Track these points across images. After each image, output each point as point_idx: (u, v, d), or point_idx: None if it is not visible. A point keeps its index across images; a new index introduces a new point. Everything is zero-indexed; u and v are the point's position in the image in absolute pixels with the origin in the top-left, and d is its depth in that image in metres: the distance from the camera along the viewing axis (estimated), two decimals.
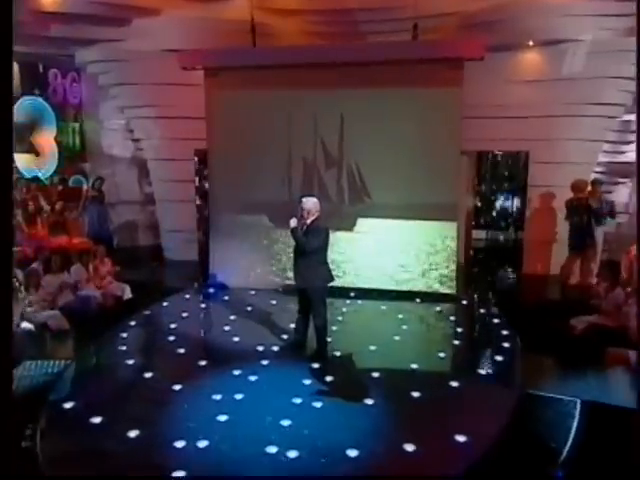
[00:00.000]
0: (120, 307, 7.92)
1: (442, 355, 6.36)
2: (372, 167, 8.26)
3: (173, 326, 7.24)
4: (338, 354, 6.33)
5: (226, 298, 8.45)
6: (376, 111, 8.03)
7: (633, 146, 9.84)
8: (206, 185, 10.45)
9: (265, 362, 6.12)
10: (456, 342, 6.78)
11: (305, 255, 6.04)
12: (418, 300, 8.16)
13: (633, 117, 9.32)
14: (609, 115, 8.99)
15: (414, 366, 6.02)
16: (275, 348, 6.52)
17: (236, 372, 5.84)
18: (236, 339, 6.81)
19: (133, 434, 4.60)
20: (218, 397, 5.29)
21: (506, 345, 6.57)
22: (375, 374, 5.81)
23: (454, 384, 5.58)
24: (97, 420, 4.83)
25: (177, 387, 5.49)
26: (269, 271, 8.92)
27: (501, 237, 9.85)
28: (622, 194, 10.15)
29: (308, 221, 6.08)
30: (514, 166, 9.57)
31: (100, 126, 11.47)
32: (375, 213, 8.35)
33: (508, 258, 9.58)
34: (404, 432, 4.69)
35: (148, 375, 5.78)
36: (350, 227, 8.57)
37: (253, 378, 5.71)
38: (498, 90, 9.04)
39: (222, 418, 4.90)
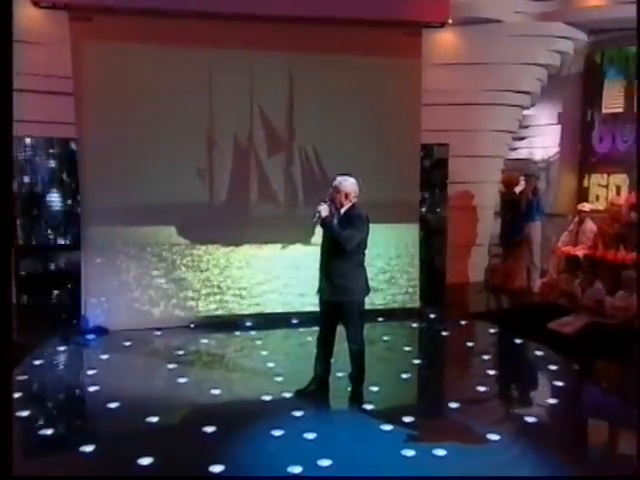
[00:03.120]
0: None
1: (491, 373, 5.91)
2: (331, 152, 7.34)
3: (94, 389, 5.44)
4: (375, 389, 5.37)
5: (128, 344, 6.66)
6: (326, 81, 7.26)
7: (526, 142, 10.74)
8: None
9: (298, 414, 4.91)
10: (485, 357, 6.34)
11: (341, 256, 5.00)
12: (381, 319, 7.50)
13: (532, 112, 10.17)
14: (520, 104, 9.63)
15: (482, 389, 5.45)
16: (286, 394, 5.27)
17: (276, 433, 4.55)
18: (215, 392, 5.35)
19: None
20: (297, 470, 3.99)
21: (539, 354, 6.42)
22: (453, 404, 5.07)
23: (551, 401, 5.21)
24: None
25: (217, 469, 4.01)
26: (174, 303, 7.33)
27: None
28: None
29: (344, 209, 5.06)
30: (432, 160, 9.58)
31: None
32: None
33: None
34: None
35: (146, 462, 4.10)
36: (307, 238, 7.46)
37: (311, 436, 4.51)
38: None
39: None
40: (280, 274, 7.53)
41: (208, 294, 7.40)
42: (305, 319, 7.32)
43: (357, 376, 5.23)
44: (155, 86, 6.97)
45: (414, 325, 7.43)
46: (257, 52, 7.13)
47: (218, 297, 7.47)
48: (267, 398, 5.21)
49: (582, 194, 10.68)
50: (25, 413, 4.86)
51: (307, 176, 7.39)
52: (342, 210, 5.08)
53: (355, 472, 4.01)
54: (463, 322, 7.53)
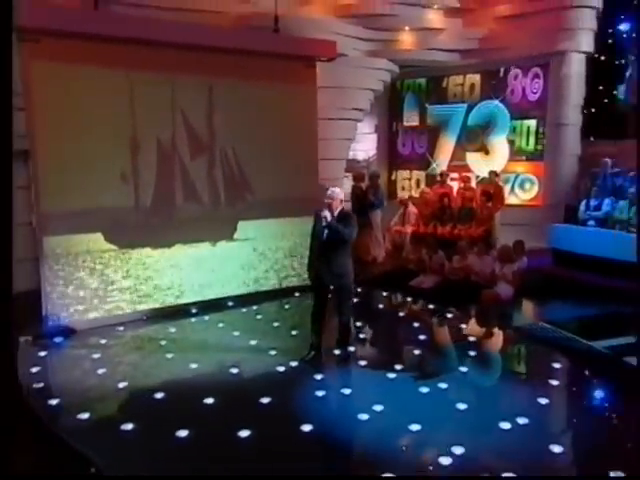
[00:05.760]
0: None
1: (416, 325, 6.88)
2: (248, 157, 7.62)
3: (123, 385, 5.28)
4: (352, 349, 6.04)
5: (104, 341, 6.36)
6: (243, 99, 7.57)
7: (356, 146, 11.90)
8: None
9: (319, 377, 5.44)
10: (401, 314, 7.32)
11: (339, 249, 5.67)
12: (297, 294, 8.07)
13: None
14: (356, 119, 10.73)
15: (423, 337, 6.41)
16: (292, 363, 5.72)
17: (320, 393, 5.08)
18: (234, 371, 5.59)
19: None
20: (365, 416, 4.62)
21: (431, 307, 7.61)
22: (416, 351, 6.00)
23: (472, 339, 6.39)
24: None
25: (307, 428, 4.44)
26: (126, 299, 7.07)
27: None
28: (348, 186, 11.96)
29: (337, 212, 5.67)
30: None
31: None
32: (257, 214, 7.72)
33: None
34: None
35: (245, 434, 4.35)
36: (229, 235, 7.62)
37: (348, 391, 5.15)
38: None
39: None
40: (210, 266, 7.65)
41: (142, 288, 7.24)
42: (240, 301, 7.63)
43: (346, 341, 5.95)
44: (84, 97, 6.63)
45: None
46: (179, 75, 7.16)
47: (158, 290, 7.35)
48: (281, 369, 5.58)
49: (392, 186, 12.32)
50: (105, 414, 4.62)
51: (228, 177, 7.59)
52: (335, 213, 5.63)
53: (407, 409, 4.72)
54: (359, 289, 8.39)
